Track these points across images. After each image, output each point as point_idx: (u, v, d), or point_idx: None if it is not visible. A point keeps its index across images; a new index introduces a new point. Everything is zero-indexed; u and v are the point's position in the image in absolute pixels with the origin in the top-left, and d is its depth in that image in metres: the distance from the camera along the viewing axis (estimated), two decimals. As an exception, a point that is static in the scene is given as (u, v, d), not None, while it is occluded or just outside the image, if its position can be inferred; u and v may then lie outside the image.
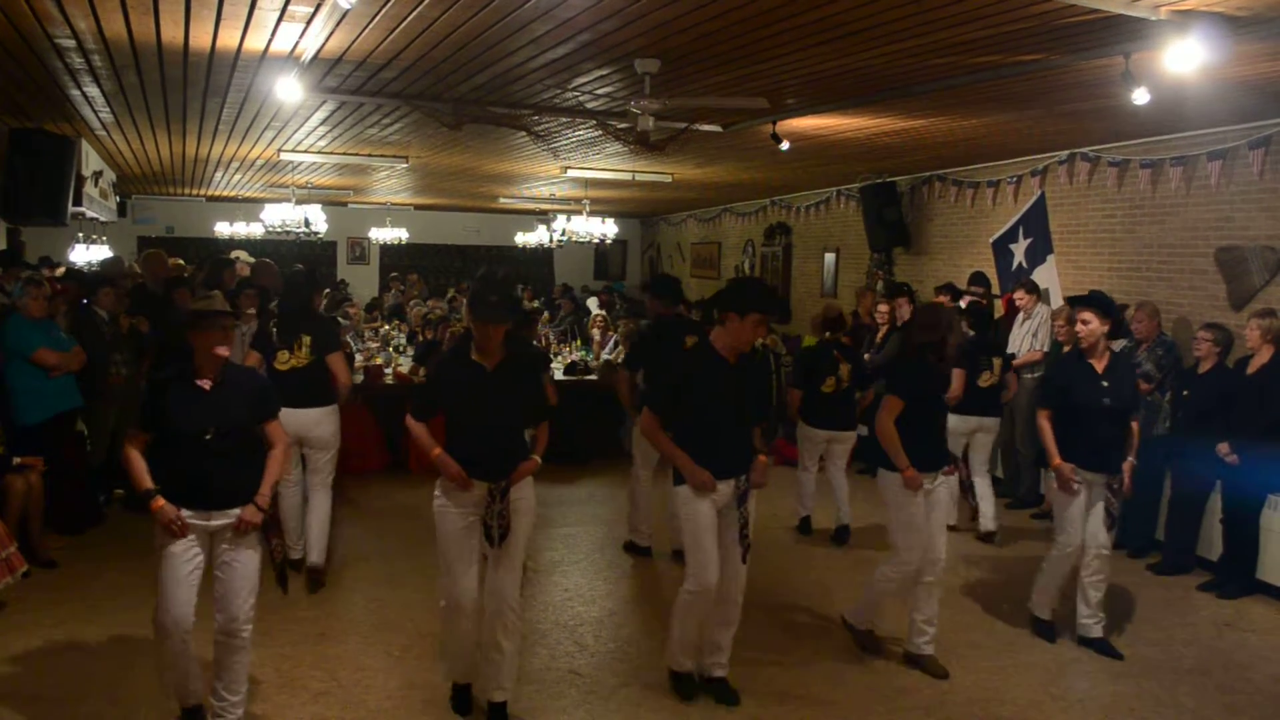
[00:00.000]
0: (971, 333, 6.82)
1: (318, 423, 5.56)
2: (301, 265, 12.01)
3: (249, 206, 15.27)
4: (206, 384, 3.77)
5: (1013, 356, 7.47)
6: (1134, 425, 5.13)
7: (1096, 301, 5.13)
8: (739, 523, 4.24)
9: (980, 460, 6.97)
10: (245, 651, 3.83)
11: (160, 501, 3.64)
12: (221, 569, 3.77)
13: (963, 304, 7.76)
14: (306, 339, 5.52)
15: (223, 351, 3.77)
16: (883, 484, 4.74)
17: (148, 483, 3.69)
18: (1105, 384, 4.97)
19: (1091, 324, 5.02)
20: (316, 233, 13.58)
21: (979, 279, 8.65)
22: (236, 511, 3.74)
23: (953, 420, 6.07)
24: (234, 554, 3.77)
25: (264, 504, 3.80)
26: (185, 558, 3.68)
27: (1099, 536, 5.01)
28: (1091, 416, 4.95)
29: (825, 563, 6.44)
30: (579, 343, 11.19)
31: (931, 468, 4.68)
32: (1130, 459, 5.06)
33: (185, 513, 3.67)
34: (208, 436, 3.68)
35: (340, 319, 9.15)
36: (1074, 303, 5.30)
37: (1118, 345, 6.11)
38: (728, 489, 4.22)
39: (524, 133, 7.76)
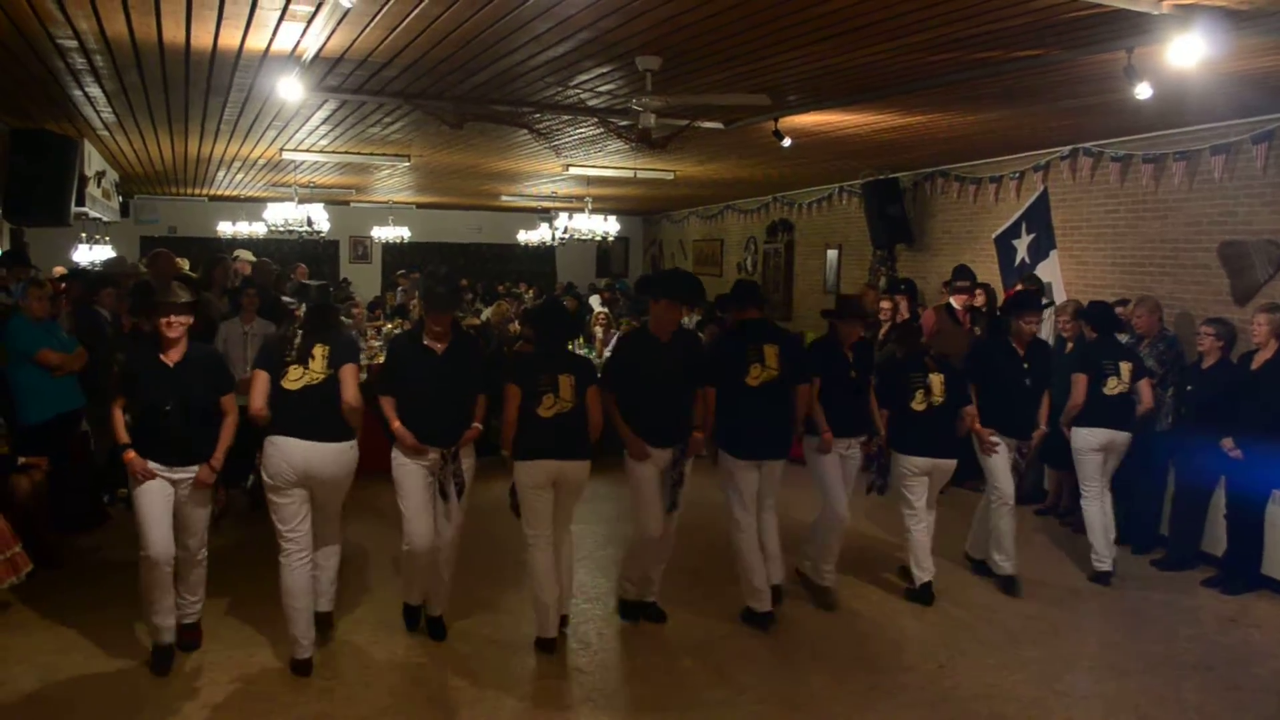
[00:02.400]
0: (1094, 334, 6.38)
1: (335, 460, 4.51)
2: (312, 282, 11.95)
3: (251, 206, 15.28)
4: (170, 361, 4.42)
5: (1144, 363, 6.39)
6: (1044, 400, 5.95)
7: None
8: (673, 483, 4.99)
9: (1102, 480, 6.08)
10: (201, 566, 4.64)
11: (131, 454, 4.35)
12: (179, 511, 4.46)
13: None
14: (323, 350, 4.54)
15: (176, 334, 4.39)
16: (806, 447, 5.59)
17: (125, 437, 4.39)
18: (1026, 365, 5.85)
19: (1041, 326, 6.27)
20: (319, 232, 13.63)
21: (963, 273, 8.41)
22: (195, 469, 4.43)
23: (1081, 435, 6.02)
24: (190, 501, 4.48)
25: (217, 466, 4.50)
26: (157, 496, 4.37)
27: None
28: (1013, 392, 5.85)
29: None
30: (581, 340, 11.18)
31: (841, 434, 5.48)
32: (1043, 427, 5.96)
33: (152, 464, 4.36)
34: (167, 407, 4.34)
35: (344, 318, 9.12)
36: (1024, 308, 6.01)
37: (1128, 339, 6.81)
38: (666, 455, 4.93)
39: (526, 131, 7.76)
